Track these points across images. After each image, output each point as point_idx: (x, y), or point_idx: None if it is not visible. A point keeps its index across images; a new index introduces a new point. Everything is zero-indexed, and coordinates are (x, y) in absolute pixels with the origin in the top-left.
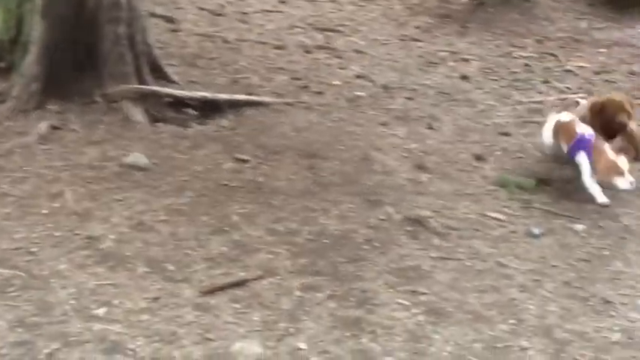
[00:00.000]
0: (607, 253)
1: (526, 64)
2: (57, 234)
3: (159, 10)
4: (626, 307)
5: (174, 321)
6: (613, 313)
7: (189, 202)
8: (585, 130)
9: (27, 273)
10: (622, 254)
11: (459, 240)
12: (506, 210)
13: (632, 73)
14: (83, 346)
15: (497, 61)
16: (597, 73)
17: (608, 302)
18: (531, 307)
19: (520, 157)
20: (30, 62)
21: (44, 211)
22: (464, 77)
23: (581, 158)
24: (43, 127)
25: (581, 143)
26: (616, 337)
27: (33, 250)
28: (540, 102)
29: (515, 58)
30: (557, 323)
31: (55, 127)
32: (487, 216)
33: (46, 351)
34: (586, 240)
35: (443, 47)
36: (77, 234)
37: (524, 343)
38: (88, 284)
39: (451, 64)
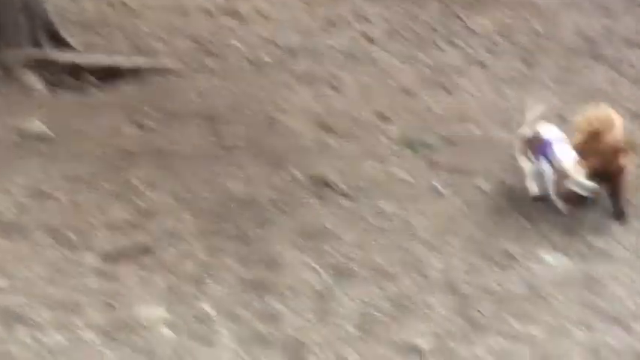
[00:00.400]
0: (511, 209)
1: (430, 25)
2: None
3: None
4: (529, 260)
5: (77, 289)
6: (516, 267)
7: (90, 170)
8: (548, 132)
9: None
10: (525, 210)
11: (364, 200)
12: (411, 169)
13: (536, 34)
14: None
15: (401, 22)
16: (501, 33)
17: (511, 257)
18: (436, 263)
19: (425, 117)
20: None
21: None
22: (368, 38)
23: (543, 165)
24: None
25: (541, 147)
26: (519, 289)
27: None
28: (444, 62)
29: (420, 18)
30: (461, 278)
31: None
32: (393, 175)
33: None
34: (490, 197)
35: (347, 9)
36: None
37: (430, 299)
38: None
39: (355, 25)
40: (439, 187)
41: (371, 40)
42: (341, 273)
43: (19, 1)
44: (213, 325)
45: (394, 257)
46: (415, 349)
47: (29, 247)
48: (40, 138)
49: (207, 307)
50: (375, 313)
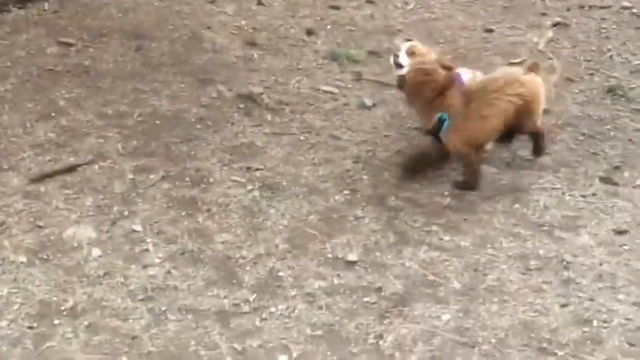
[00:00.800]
0: None
1: None
2: None
3: None
4: (456, 171)
5: (3, 210)
6: (445, 180)
7: (13, 89)
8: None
9: None
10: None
11: (292, 115)
12: (338, 83)
13: None
14: None
15: None
16: None
17: (439, 169)
18: (365, 177)
19: (350, 30)
20: None
21: None
22: None
23: None
24: None
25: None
26: (447, 201)
27: None
28: None
29: None
30: (390, 192)
31: None
32: (319, 90)
33: None
34: None
35: None
36: None
37: (359, 213)
38: None
39: None
40: (366, 100)
41: None
42: (270, 188)
43: None
44: (142, 243)
45: (323, 172)
46: (345, 262)
47: None
48: None
49: (136, 226)
50: (305, 227)
